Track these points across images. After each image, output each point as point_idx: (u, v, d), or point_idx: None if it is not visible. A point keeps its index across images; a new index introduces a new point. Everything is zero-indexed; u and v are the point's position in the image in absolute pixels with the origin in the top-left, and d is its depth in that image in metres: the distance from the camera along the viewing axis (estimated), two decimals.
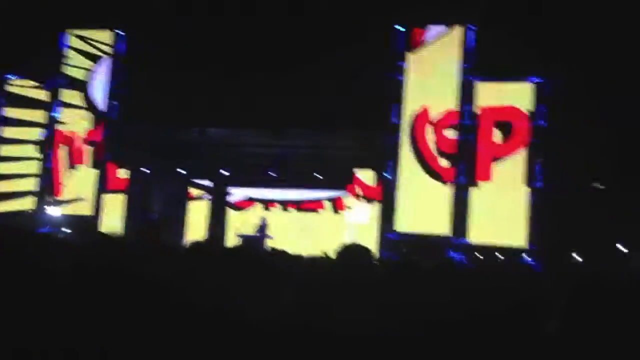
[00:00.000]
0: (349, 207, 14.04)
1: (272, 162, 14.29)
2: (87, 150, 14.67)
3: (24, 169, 14.98)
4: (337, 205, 14.83)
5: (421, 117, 12.97)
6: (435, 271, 3.48)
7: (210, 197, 15.37)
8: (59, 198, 14.61)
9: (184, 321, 2.20)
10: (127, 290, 2.29)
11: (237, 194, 15.48)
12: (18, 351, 2.08)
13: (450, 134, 12.79)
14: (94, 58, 14.97)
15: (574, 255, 11.25)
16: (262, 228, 13.38)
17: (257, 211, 15.07)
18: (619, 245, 11.15)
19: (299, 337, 2.22)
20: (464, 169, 12.59)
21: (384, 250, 12.41)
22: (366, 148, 13.13)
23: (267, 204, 15.27)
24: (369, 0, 12.28)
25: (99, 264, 2.41)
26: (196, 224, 14.75)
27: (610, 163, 11.06)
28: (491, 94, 12.67)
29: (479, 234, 12.29)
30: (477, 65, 12.65)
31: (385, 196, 13.05)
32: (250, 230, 13.52)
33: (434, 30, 13.09)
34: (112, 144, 14.36)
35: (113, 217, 14.16)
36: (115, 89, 14.73)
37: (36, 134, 15.07)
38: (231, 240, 13.59)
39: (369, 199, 13.54)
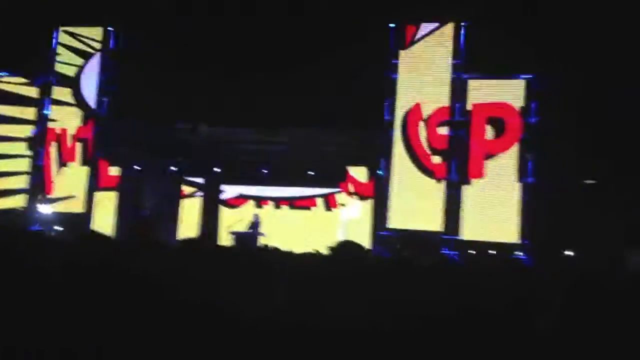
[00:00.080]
0: (341, 205, 14.04)
1: (265, 159, 14.28)
2: (78, 148, 14.60)
3: (14, 166, 14.90)
4: (329, 202, 14.83)
5: (413, 114, 12.99)
6: (428, 268, 3.48)
7: (202, 194, 15.34)
8: (50, 196, 14.54)
9: (176, 318, 2.19)
10: (119, 287, 2.28)
11: (229, 191, 15.45)
12: (9, 349, 2.07)
13: (443, 130, 12.82)
14: (85, 55, 14.90)
15: (566, 251, 11.31)
16: (255, 225, 13.36)
17: (249, 208, 15.04)
18: (610, 242, 11.20)
19: (291, 334, 2.21)
20: (456, 165, 12.62)
21: (377, 247, 12.43)
22: (359, 145, 13.14)
23: (260, 201, 15.25)
24: None
25: (89, 262, 2.39)
26: (188, 221, 14.71)
27: (602, 159, 11.11)
28: (483, 91, 12.71)
29: (471, 230, 12.34)
30: (469, 62, 12.68)
31: (378, 193, 13.07)
32: (242, 227, 13.49)
33: (426, 27, 13.11)
34: (102, 141, 14.30)
35: (104, 215, 14.11)
36: (106, 86, 14.67)
37: (27, 131, 14.99)
38: (223, 237, 13.56)
39: (361, 196, 13.55)
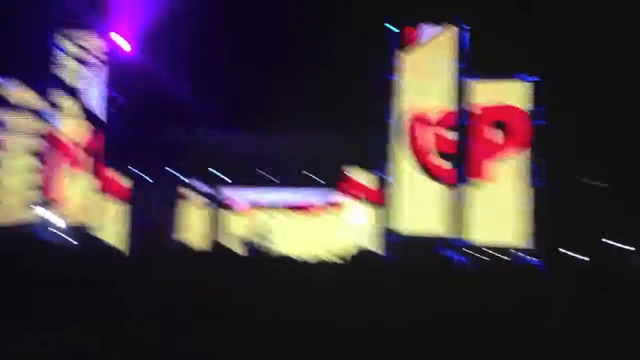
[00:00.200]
0: (345, 208, 14.03)
1: (267, 163, 14.30)
2: (83, 156, 14.62)
3: (19, 175, 14.92)
4: (335, 206, 14.81)
5: (417, 117, 12.98)
6: (434, 272, 3.47)
7: (206, 200, 15.35)
8: (58, 206, 14.56)
9: (188, 324, 2.20)
10: (130, 294, 2.28)
11: (233, 196, 15.46)
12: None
13: (448, 134, 12.80)
14: (89, 62, 14.93)
15: (573, 254, 11.26)
16: (260, 230, 13.36)
17: (254, 214, 15.05)
18: (617, 244, 11.15)
19: (301, 338, 2.21)
20: (461, 168, 12.59)
21: (382, 250, 12.40)
22: (362, 148, 13.13)
23: (264, 206, 15.25)
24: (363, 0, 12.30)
25: (97, 271, 2.40)
26: (192, 227, 14.71)
27: (610, 161, 11.07)
28: (487, 93, 12.67)
29: (477, 233, 12.29)
30: (473, 65, 12.66)
31: (382, 197, 13.05)
32: (248, 233, 13.49)
33: (427, 30, 13.11)
34: (107, 148, 14.32)
35: (111, 223, 14.11)
36: (110, 93, 14.69)
37: (33, 141, 15.01)
38: (229, 243, 13.56)
39: (365, 200, 13.54)
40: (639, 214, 10.77)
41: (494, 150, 12.51)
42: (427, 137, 12.89)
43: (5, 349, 2.11)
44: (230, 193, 15.35)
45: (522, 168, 12.29)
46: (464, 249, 12.15)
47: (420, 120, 12.96)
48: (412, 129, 12.99)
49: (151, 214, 14.47)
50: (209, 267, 2.84)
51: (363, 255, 3.08)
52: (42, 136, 14.88)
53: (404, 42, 13.16)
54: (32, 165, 14.93)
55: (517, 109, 12.43)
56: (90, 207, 14.35)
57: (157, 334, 2.19)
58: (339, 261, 2.91)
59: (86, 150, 14.62)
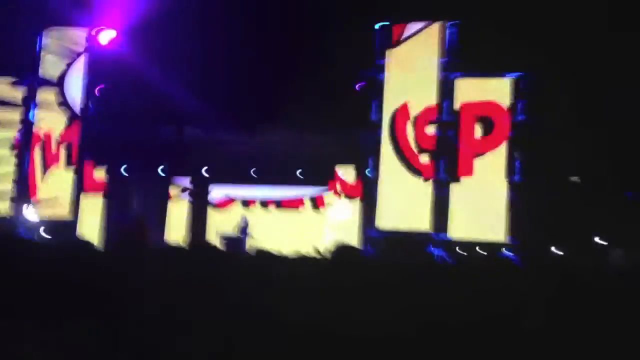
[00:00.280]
0: (330, 205, 14.03)
1: (252, 159, 14.26)
2: (63, 151, 14.47)
3: None
4: (317, 202, 14.81)
5: (401, 114, 13.02)
6: (417, 268, 3.47)
7: (189, 196, 15.27)
8: (36, 201, 14.40)
9: (169, 323, 2.17)
10: (111, 292, 2.25)
11: (216, 192, 15.39)
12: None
13: (431, 130, 12.85)
14: (70, 56, 14.77)
15: (554, 249, 11.37)
16: (243, 227, 13.33)
17: (237, 210, 14.99)
18: (598, 240, 11.29)
19: (286, 337, 2.20)
20: (444, 164, 12.66)
21: (366, 247, 12.43)
22: (347, 145, 13.15)
23: (247, 202, 15.20)
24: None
25: (78, 269, 2.36)
26: (176, 223, 14.63)
27: (590, 157, 11.19)
28: (471, 90, 12.75)
29: (460, 229, 12.37)
30: (457, 61, 12.72)
31: (366, 193, 13.08)
32: (231, 229, 13.45)
33: (413, 26, 13.14)
34: (88, 143, 14.19)
35: (91, 219, 13.99)
36: (91, 88, 14.55)
37: (11, 134, 14.84)
38: (212, 239, 13.50)
39: (350, 196, 13.55)
40: (619, 210, 10.90)
41: (477, 146, 12.59)
42: (411, 134, 12.93)
43: None
44: (216, 190, 15.28)
45: (504, 164, 12.38)
46: (446, 244, 12.22)
47: (404, 116, 13.00)
48: (397, 125, 13.03)
49: (132, 209, 14.37)
50: (192, 264, 2.81)
51: (347, 252, 3.07)
52: (20, 130, 14.71)
53: (390, 39, 13.18)
54: (9, 158, 14.76)
55: (499, 105, 12.51)
56: (69, 202, 14.21)
57: (144, 333, 2.16)
58: (324, 258, 2.90)
59: (65, 144, 14.48)
